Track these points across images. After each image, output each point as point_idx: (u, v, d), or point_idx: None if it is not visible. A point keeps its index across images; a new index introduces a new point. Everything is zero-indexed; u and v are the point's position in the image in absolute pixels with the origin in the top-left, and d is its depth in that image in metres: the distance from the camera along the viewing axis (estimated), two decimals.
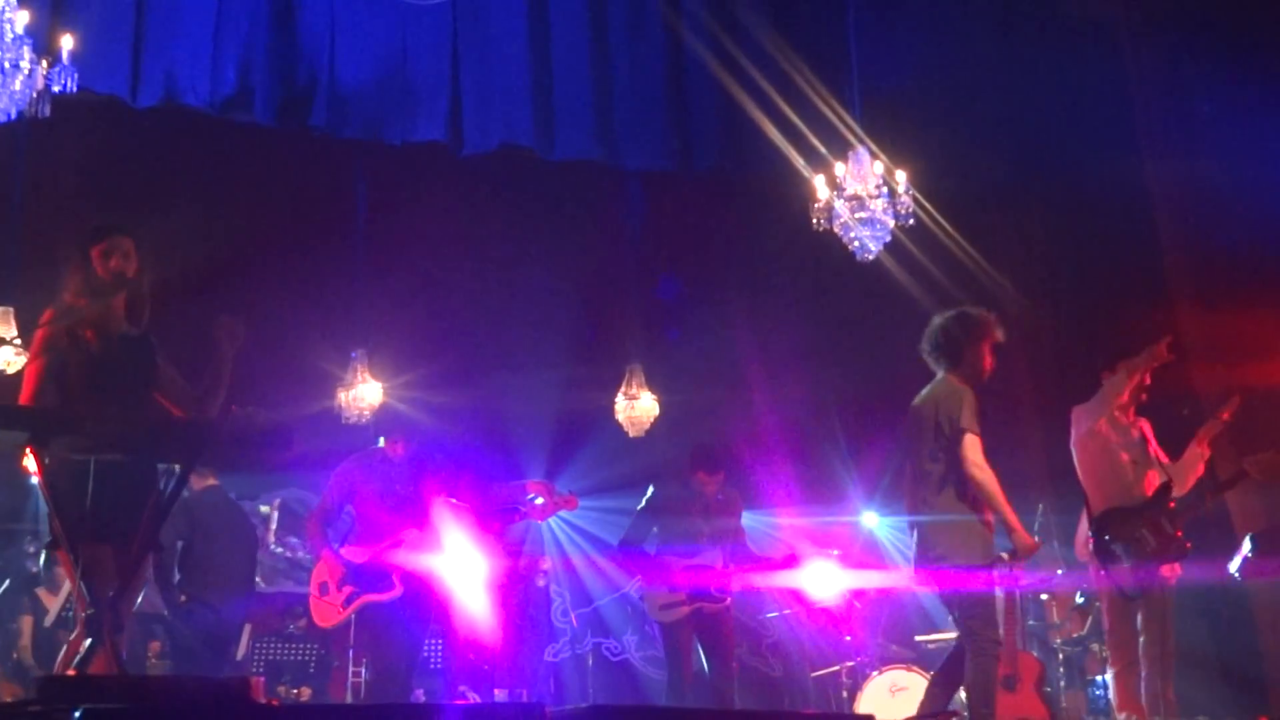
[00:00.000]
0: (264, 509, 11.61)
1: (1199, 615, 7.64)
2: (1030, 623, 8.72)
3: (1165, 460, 6.87)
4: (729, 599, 7.74)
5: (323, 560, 7.28)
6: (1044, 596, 8.88)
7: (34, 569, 9.19)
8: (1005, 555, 5.92)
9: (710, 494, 7.85)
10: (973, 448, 5.85)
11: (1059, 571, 8.83)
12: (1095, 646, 8.32)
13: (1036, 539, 6.00)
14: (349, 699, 8.20)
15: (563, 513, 8.86)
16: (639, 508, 8.02)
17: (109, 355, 5.03)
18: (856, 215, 7.56)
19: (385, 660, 7.14)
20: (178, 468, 4.50)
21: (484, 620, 9.97)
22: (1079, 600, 8.61)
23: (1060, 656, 8.56)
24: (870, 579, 9.93)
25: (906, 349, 11.04)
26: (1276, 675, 8.40)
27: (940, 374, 6.12)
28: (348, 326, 10.46)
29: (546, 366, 10.85)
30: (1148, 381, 6.79)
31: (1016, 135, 9.62)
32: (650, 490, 8.11)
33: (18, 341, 8.73)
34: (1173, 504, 6.55)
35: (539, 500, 7.86)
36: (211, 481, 8.61)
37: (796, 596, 9.42)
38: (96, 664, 4.28)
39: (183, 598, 8.21)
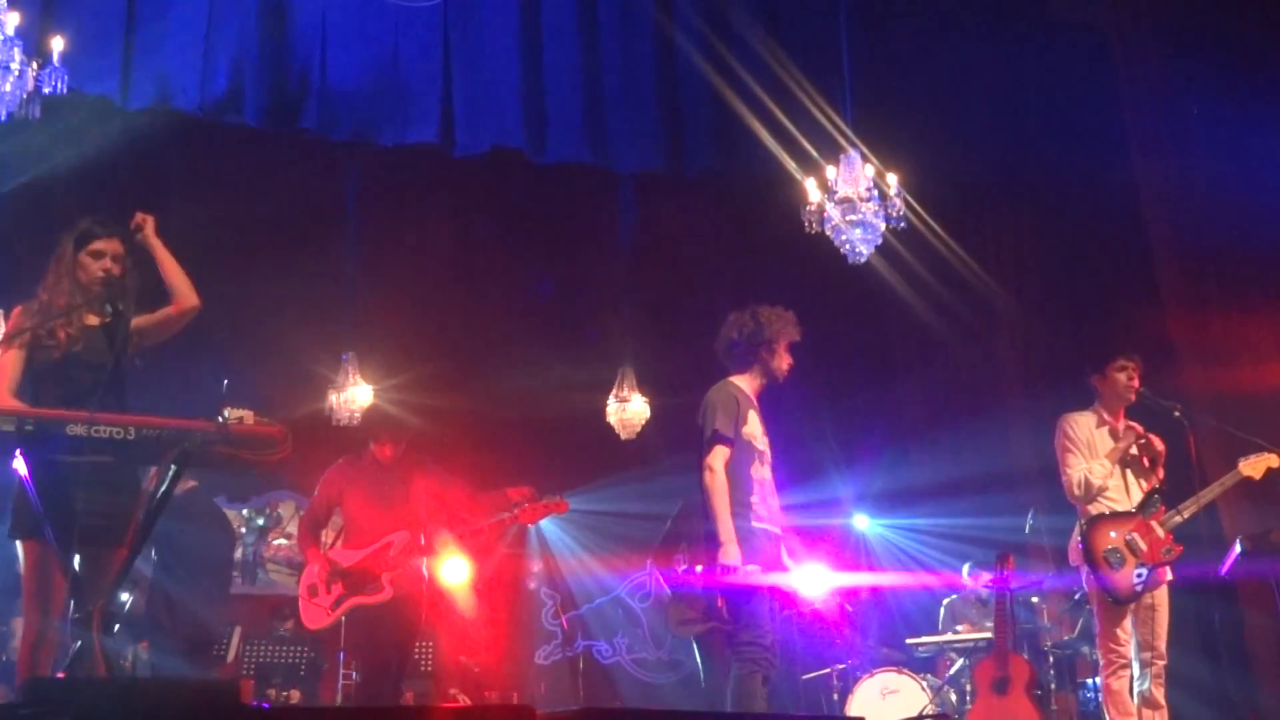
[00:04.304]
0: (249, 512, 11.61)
1: (1189, 619, 7.64)
2: (1022, 625, 8.72)
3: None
4: None
5: (311, 563, 7.27)
6: (1035, 599, 8.90)
7: None
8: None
9: None
10: (716, 455, 5.84)
11: (1049, 574, 8.84)
12: (1086, 649, 8.33)
13: (737, 562, 5.61)
14: (339, 701, 8.18)
15: (553, 515, 8.87)
16: None
17: (81, 349, 4.96)
18: (848, 218, 7.55)
19: (375, 662, 7.13)
20: (172, 468, 4.43)
21: (474, 623, 9.96)
22: (1070, 603, 8.62)
23: (1051, 659, 8.56)
24: (861, 581, 9.94)
25: (898, 351, 11.12)
26: (1266, 678, 8.40)
27: (728, 377, 6.16)
28: (339, 328, 10.43)
29: (537, 369, 10.83)
30: (1137, 384, 6.80)
31: (1007, 138, 9.63)
32: None
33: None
34: (1163, 508, 6.58)
35: (525, 505, 7.87)
36: (191, 483, 8.59)
37: (787, 599, 9.43)
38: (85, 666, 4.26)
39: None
